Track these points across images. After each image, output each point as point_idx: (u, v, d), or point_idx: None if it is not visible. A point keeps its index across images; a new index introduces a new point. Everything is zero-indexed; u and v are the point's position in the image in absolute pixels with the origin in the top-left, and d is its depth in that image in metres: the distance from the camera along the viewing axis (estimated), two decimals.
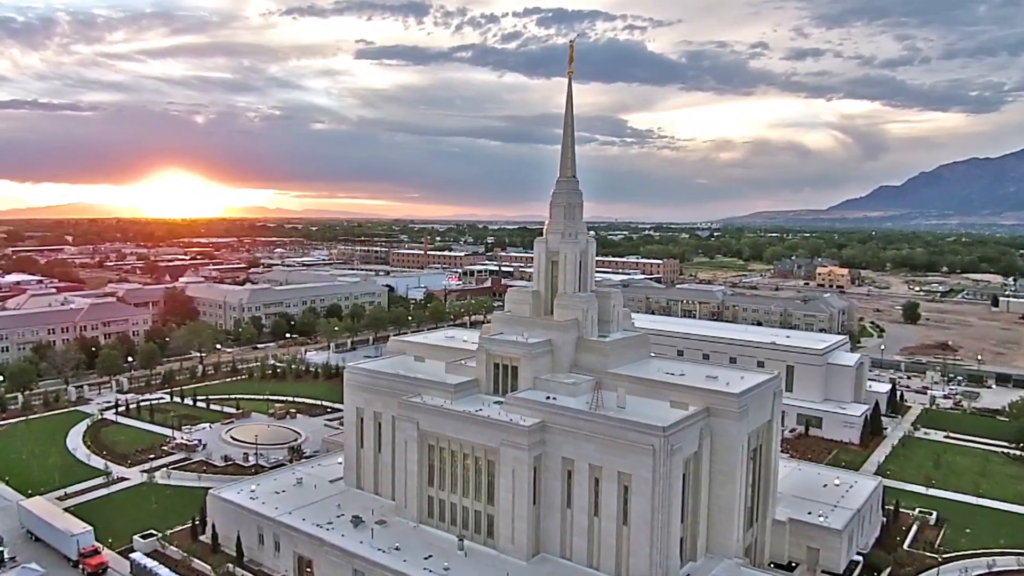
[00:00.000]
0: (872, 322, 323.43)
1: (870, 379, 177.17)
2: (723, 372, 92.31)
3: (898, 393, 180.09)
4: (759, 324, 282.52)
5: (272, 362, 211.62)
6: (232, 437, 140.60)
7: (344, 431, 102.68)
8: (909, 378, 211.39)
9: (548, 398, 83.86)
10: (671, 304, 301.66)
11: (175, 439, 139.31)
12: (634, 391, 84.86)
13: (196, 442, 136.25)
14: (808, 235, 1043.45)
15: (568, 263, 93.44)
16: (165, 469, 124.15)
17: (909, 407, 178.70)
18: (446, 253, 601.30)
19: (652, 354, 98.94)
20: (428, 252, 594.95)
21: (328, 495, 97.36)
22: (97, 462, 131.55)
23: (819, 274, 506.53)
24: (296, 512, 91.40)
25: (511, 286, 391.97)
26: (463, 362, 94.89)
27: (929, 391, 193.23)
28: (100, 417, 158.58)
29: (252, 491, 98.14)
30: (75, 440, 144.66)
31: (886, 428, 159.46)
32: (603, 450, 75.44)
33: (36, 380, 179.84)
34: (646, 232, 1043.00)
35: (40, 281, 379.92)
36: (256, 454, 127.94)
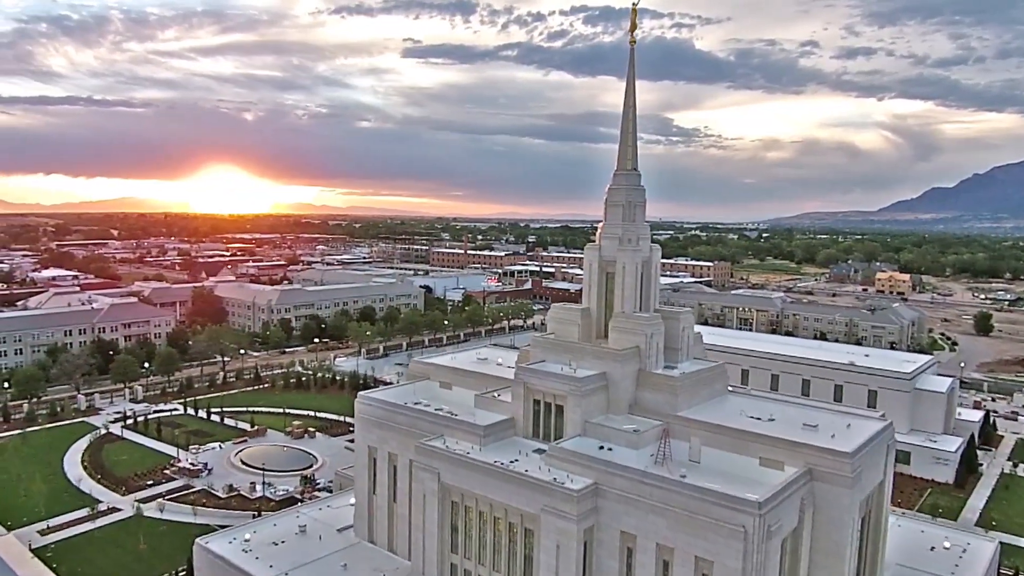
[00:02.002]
0: (942, 334, 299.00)
1: None
2: (822, 417, 73.72)
3: (991, 421, 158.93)
4: (822, 336, 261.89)
5: (298, 369, 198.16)
6: (241, 461, 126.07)
7: (355, 472, 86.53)
8: (994, 400, 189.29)
9: (602, 448, 66.66)
10: (726, 312, 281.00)
11: (180, 461, 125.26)
12: (712, 441, 67.13)
13: (201, 466, 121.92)
14: (860, 237, 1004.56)
15: (627, 275, 75.88)
16: (160, 500, 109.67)
17: (1001, 437, 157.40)
18: (486, 252, 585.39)
19: (730, 387, 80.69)
20: (468, 251, 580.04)
21: (334, 550, 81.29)
22: (91, 487, 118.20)
23: (878, 280, 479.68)
24: (293, 573, 75.59)
25: (551, 288, 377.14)
26: (496, 395, 77.87)
27: (1021, 417, 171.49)
28: (106, 431, 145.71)
29: (246, 540, 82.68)
30: (73, 458, 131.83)
31: (981, 464, 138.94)
32: (676, 527, 57.92)
33: (44, 387, 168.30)
34: (692, 232, 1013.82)
35: (75, 277, 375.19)
36: (264, 483, 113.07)
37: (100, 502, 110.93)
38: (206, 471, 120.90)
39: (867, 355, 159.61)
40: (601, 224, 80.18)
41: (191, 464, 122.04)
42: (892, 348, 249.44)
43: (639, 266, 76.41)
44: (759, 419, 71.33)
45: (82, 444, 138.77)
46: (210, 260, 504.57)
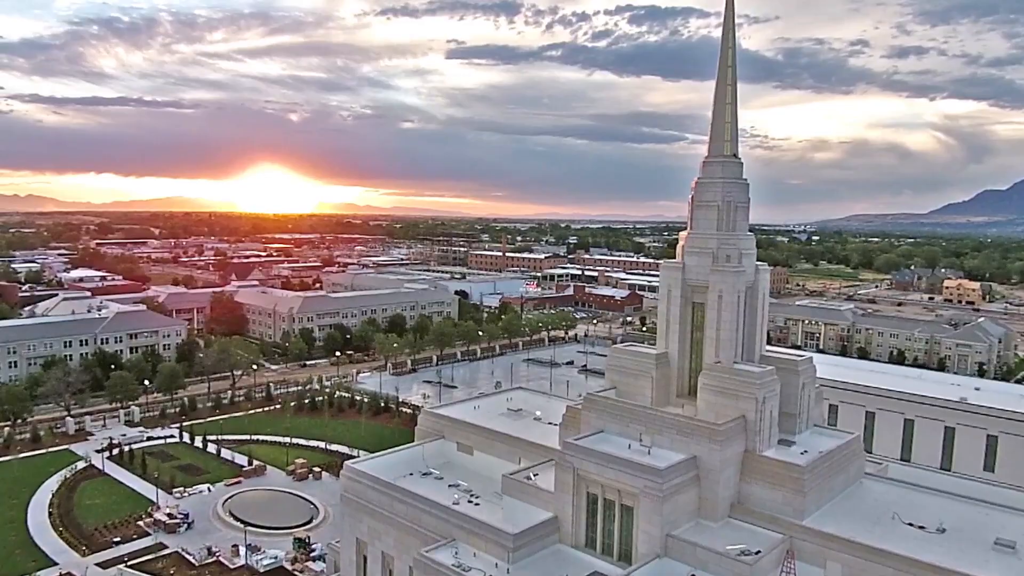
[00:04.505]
0: None
1: None
2: (1013, 524, 49.76)
3: None
4: (900, 355, 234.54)
5: (315, 386, 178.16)
6: (230, 511, 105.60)
7: (341, 568, 64.77)
8: None
9: None
10: (790, 325, 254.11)
11: (158, 509, 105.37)
12: (860, 569, 43.82)
13: (180, 518, 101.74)
14: (913, 240, 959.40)
15: (725, 307, 52.81)
16: (120, 567, 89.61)
17: None
18: (525, 255, 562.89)
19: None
20: (507, 254, 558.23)
21: None
22: (50, 542, 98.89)
23: (946, 288, 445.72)
24: None
25: (595, 295, 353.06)
26: (533, 475, 55.43)
27: None
28: (87, 464, 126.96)
29: None
30: (42, 500, 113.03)
31: None
32: None
33: (31, 407, 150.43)
34: None
35: (103, 277, 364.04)
36: (248, 547, 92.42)
37: (55, 564, 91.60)
38: (185, 525, 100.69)
39: (978, 388, 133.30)
40: (683, 233, 56.98)
41: (168, 516, 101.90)
42: (980, 370, 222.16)
43: (742, 294, 53.17)
44: (923, 528, 47.82)
45: (57, 480, 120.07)
46: (244, 261, 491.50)
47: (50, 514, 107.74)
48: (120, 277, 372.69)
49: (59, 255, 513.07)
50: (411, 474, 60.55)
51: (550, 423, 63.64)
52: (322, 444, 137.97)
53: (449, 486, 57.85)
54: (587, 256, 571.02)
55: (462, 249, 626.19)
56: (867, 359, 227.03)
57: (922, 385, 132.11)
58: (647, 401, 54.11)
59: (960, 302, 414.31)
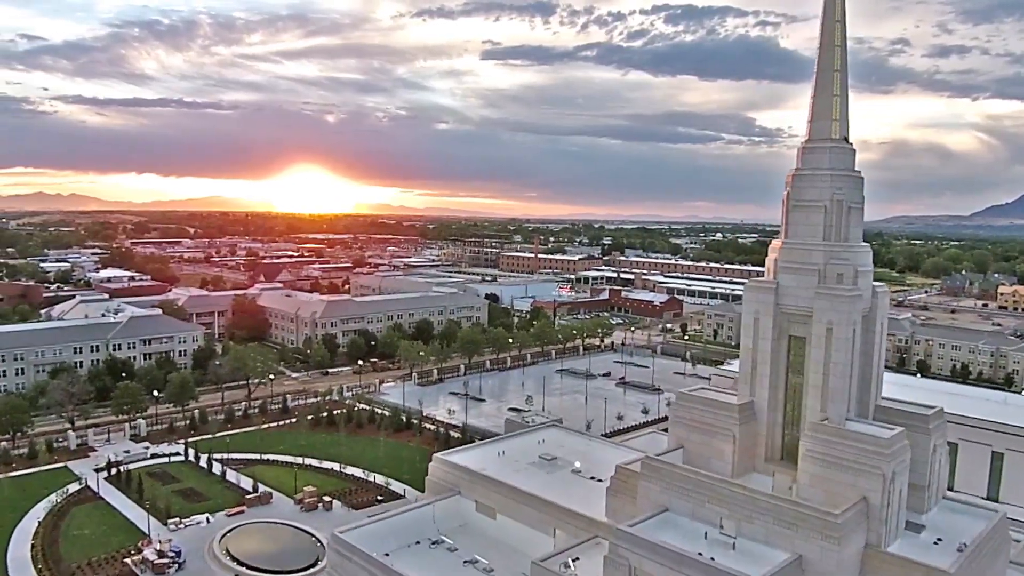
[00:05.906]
0: None
1: None
2: None
3: None
4: (964, 369, 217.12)
5: (334, 397, 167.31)
6: (227, 549, 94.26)
7: None
8: None
9: None
10: None
11: (149, 544, 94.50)
12: None
13: (172, 556, 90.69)
14: (959, 242, 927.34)
15: (836, 346, 39.34)
16: None
17: None
18: (558, 257, 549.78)
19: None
20: (539, 255, 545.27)
21: None
22: None
23: (1001, 294, 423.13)
24: None
25: (631, 299, 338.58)
26: (572, 563, 42.50)
27: None
28: (83, 486, 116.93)
29: None
30: (28, 527, 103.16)
31: None
32: None
33: (30, 419, 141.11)
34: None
35: (132, 278, 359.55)
36: None
37: None
38: (175, 565, 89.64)
39: None
40: (775, 243, 43.72)
41: (158, 553, 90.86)
42: None
43: (857, 326, 39.69)
44: None
45: (48, 504, 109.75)
46: (274, 261, 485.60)
47: (32, 546, 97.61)
48: (149, 277, 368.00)
49: (92, 254, 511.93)
50: (417, 543, 48.45)
51: (593, 478, 50.83)
52: (335, 466, 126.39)
53: (465, 562, 45.53)
54: (622, 258, 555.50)
55: (494, 250, 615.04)
56: (927, 374, 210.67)
57: (1010, 412, 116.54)
58: (727, 468, 40.78)
59: (1017, 309, 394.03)
